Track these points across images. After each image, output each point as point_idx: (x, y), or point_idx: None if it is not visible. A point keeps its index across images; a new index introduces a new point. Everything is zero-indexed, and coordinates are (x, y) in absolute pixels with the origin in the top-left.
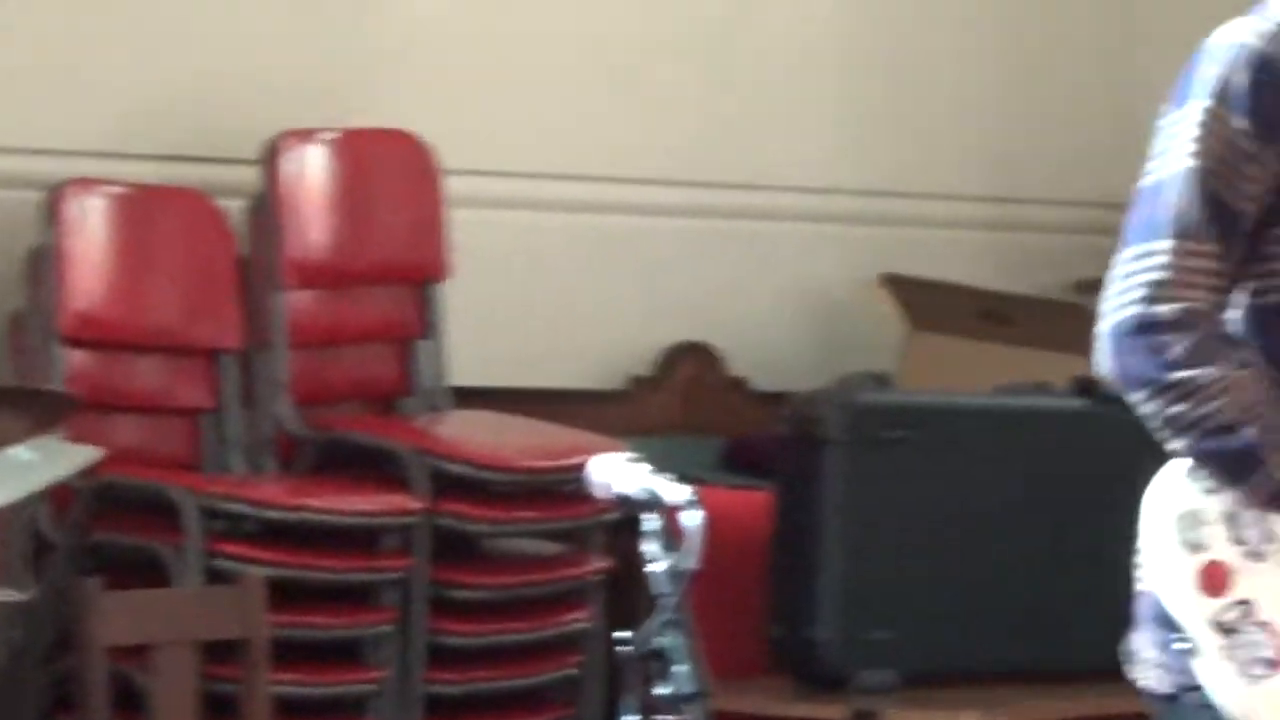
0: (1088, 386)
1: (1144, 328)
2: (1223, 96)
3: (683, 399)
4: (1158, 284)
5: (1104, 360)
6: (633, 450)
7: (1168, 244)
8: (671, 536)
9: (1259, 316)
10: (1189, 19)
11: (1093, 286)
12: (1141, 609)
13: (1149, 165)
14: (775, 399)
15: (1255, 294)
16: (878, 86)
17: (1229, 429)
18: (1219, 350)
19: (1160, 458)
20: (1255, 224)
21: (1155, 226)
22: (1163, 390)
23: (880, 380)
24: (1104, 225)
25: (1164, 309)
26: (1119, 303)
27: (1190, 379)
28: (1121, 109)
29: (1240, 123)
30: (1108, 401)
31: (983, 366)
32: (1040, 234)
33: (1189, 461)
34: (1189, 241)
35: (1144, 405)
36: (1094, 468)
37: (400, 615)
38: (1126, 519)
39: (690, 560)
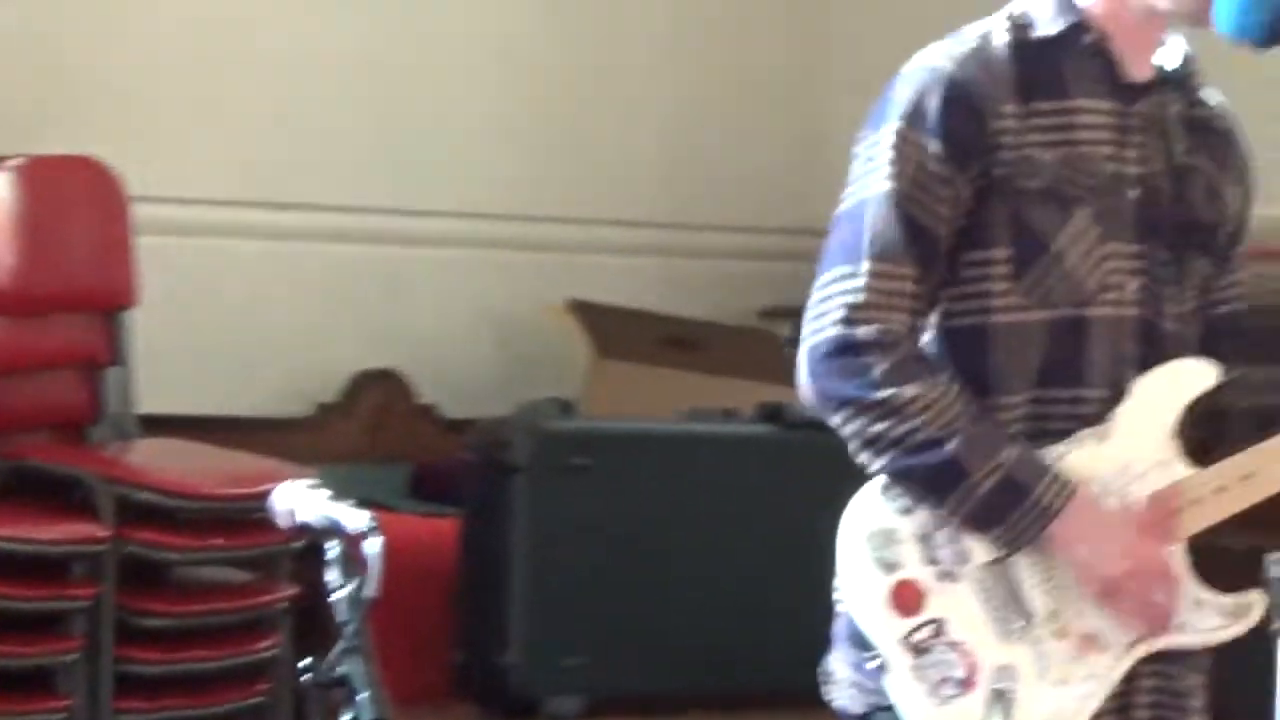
0: (774, 412)
1: (844, 349)
2: (916, 120)
3: (371, 426)
4: (856, 306)
5: (804, 381)
6: (321, 477)
7: (866, 266)
8: (352, 564)
9: (949, 339)
10: (873, 46)
11: (778, 313)
12: (837, 629)
13: (847, 189)
14: (463, 426)
15: (945, 316)
16: (559, 113)
17: (932, 444)
18: (919, 369)
19: (850, 480)
20: (949, 247)
21: (853, 249)
22: (865, 409)
23: (566, 407)
24: (789, 251)
25: (863, 330)
26: (818, 325)
27: (892, 397)
28: (805, 136)
29: (933, 146)
30: (794, 427)
31: (669, 393)
32: (726, 260)
33: (883, 482)
34: (887, 264)
35: (846, 425)
36: (782, 492)
37: (89, 643)
38: (818, 542)
39: (371, 587)
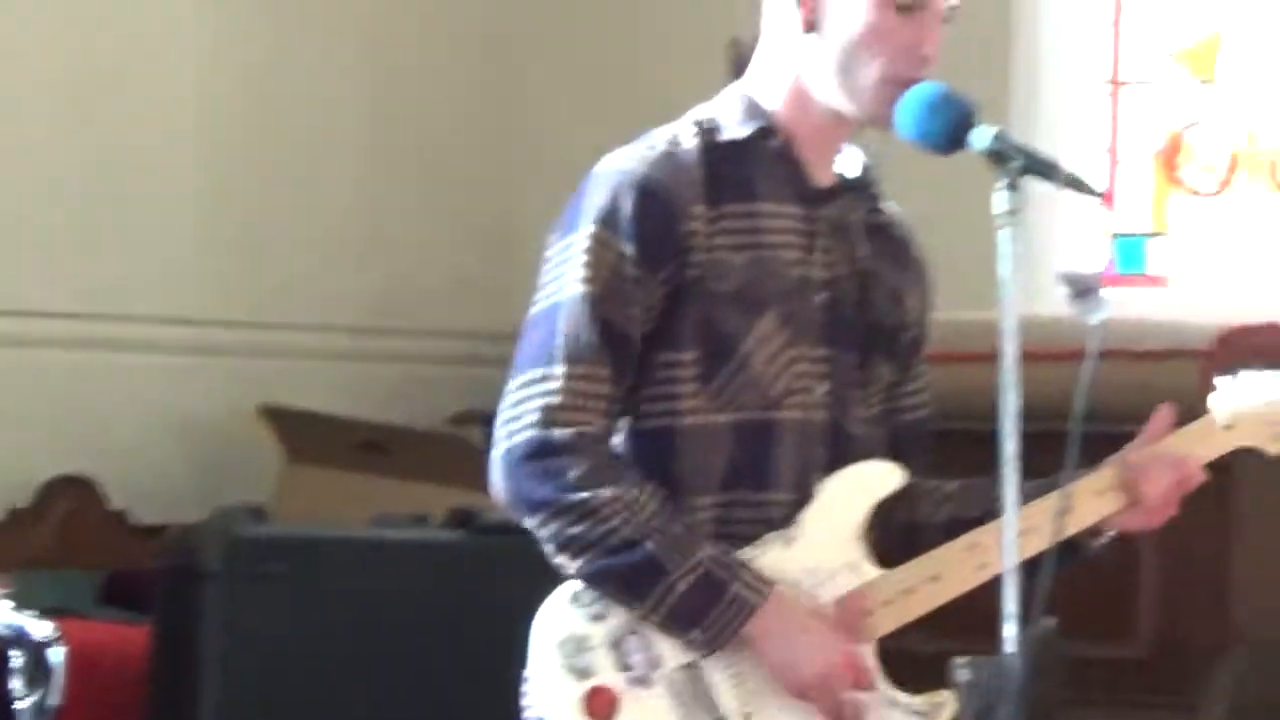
0: (464, 518)
1: (540, 452)
2: (609, 222)
3: (62, 531)
4: (552, 408)
5: (499, 485)
6: (11, 584)
7: (561, 369)
8: (36, 672)
9: (639, 441)
10: (566, 151)
11: (470, 418)
12: None
13: (540, 292)
14: (155, 532)
15: (636, 418)
16: (250, 218)
17: (630, 545)
18: (614, 471)
19: (541, 586)
20: (641, 349)
21: (548, 352)
22: (562, 512)
23: (258, 513)
24: (480, 356)
25: (559, 433)
26: (513, 428)
27: (589, 499)
28: (497, 240)
29: (627, 248)
30: (484, 532)
31: (361, 498)
32: (417, 364)
33: (574, 589)
34: (581, 366)
35: (543, 528)
36: (473, 598)
37: None
38: (508, 648)
39: (55, 696)
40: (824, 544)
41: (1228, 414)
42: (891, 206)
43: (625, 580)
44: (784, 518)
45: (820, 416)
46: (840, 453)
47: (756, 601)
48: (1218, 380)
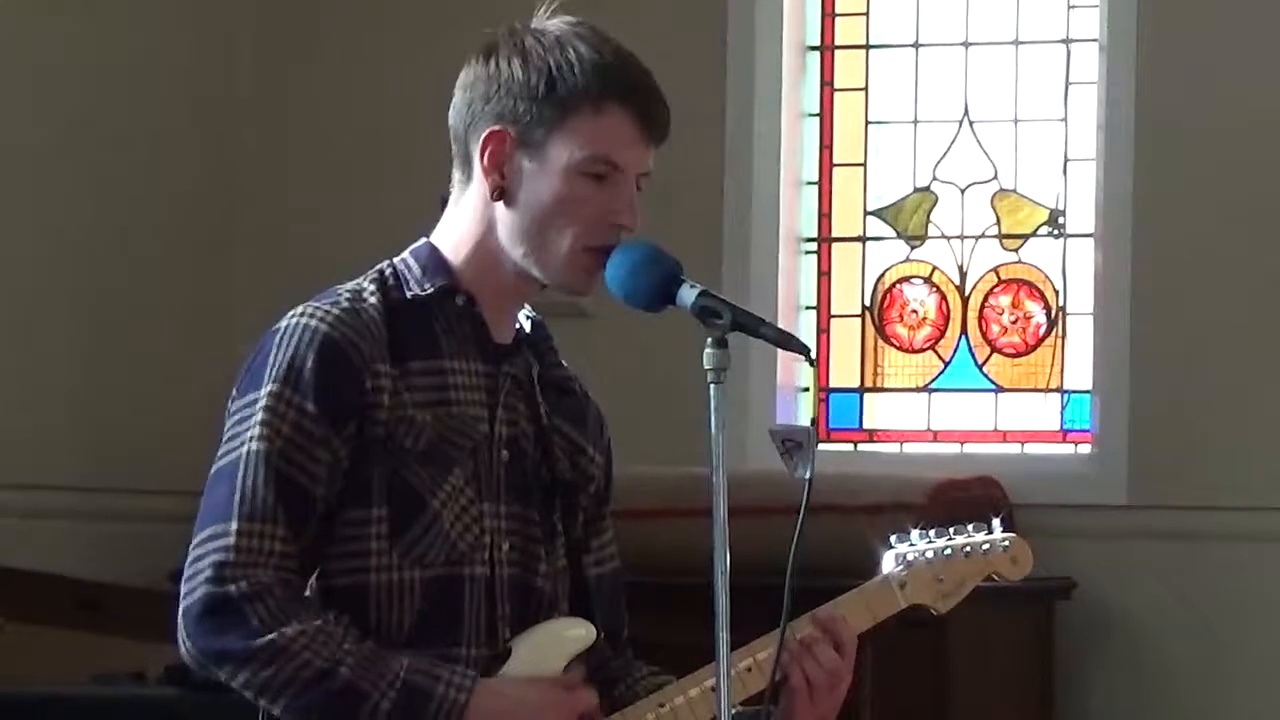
0: (180, 675)
1: (216, 607)
2: (291, 380)
3: None
4: (224, 564)
5: (186, 642)
6: None
7: (235, 525)
8: None
9: (329, 598)
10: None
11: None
12: None
13: (221, 449)
14: None
15: (325, 575)
16: None
17: (324, 676)
18: (293, 610)
19: None
20: (328, 507)
21: (224, 509)
22: (249, 659)
23: None
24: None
25: (233, 588)
26: (191, 586)
27: (274, 640)
28: (209, 400)
29: (309, 406)
30: (200, 688)
31: (78, 655)
32: (134, 523)
33: None
34: (255, 523)
35: (236, 678)
36: None
37: None
38: None
39: None
40: None
41: (900, 572)
42: (563, 361)
43: (328, 712)
44: (481, 673)
45: (506, 572)
46: (528, 608)
47: (465, 698)
48: (893, 539)
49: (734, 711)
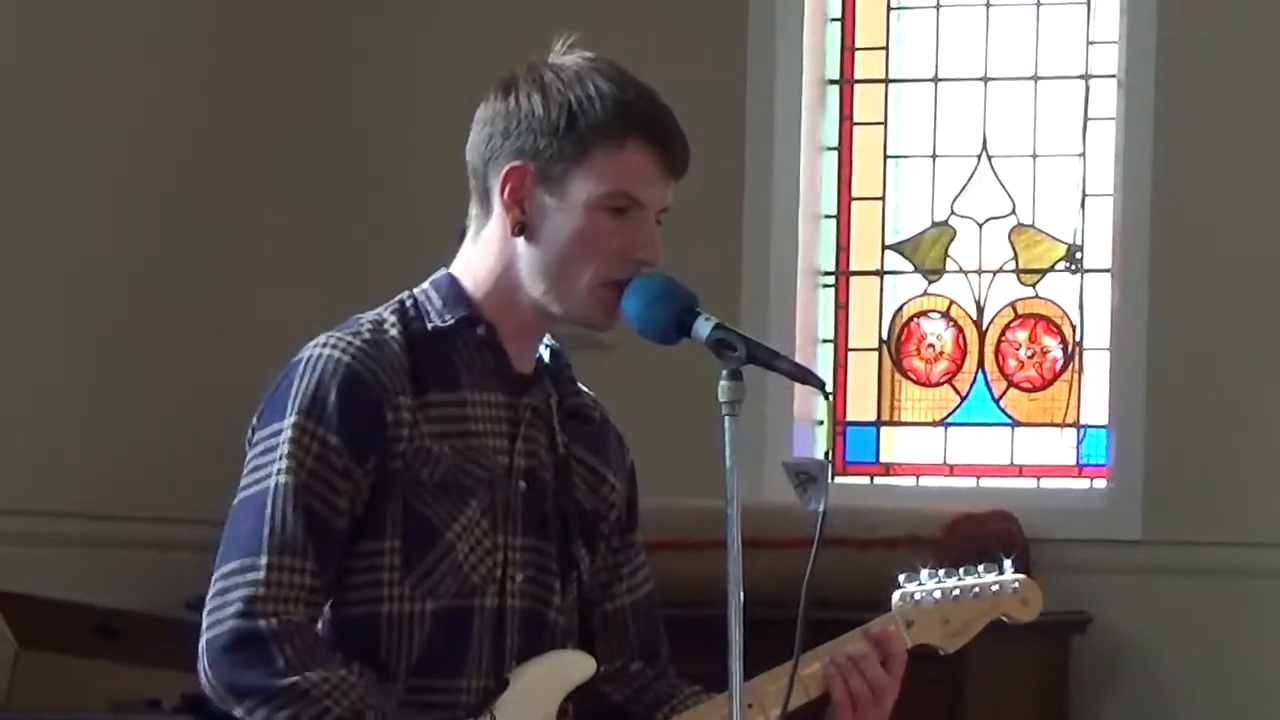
0: (196, 703)
1: (244, 642)
2: (314, 413)
3: None
4: (254, 599)
5: (206, 673)
6: None
7: (264, 559)
8: None
9: (341, 627)
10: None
11: (203, 604)
12: None
13: (245, 479)
14: None
15: (339, 605)
16: None
17: None
18: (321, 655)
19: None
20: (346, 539)
21: (253, 542)
22: (271, 698)
23: None
24: (217, 542)
25: (262, 623)
26: (217, 618)
27: (298, 683)
28: (231, 425)
29: (332, 438)
30: (215, 717)
31: (96, 684)
32: (152, 551)
33: None
34: (285, 556)
35: (253, 715)
36: None
37: None
38: None
39: None
40: None
41: (909, 610)
42: (584, 389)
43: None
44: (478, 704)
45: (518, 604)
46: (538, 640)
47: None
48: (901, 577)
49: None
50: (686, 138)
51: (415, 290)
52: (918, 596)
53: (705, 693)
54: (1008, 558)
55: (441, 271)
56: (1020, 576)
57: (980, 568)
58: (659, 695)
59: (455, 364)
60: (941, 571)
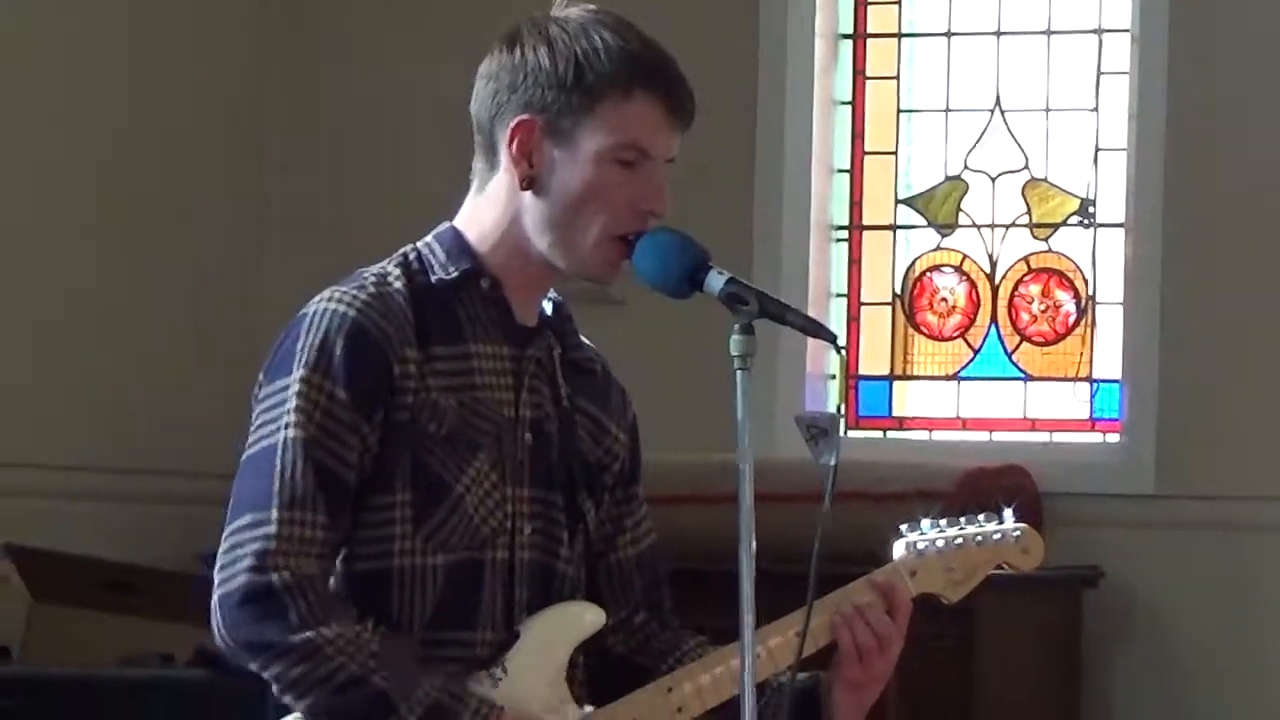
0: (210, 657)
1: (257, 596)
2: (322, 366)
3: None
4: (266, 553)
5: (220, 629)
6: None
7: (275, 514)
8: None
9: (353, 581)
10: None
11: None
12: None
13: (253, 435)
14: None
15: (349, 559)
16: None
17: (356, 682)
18: (334, 611)
19: None
20: (356, 492)
21: (263, 496)
22: (284, 653)
23: (3, 653)
24: (227, 496)
25: (276, 577)
26: (230, 573)
27: (311, 639)
28: (242, 380)
29: (339, 392)
30: (230, 672)
31: (107, 637)
32: (163, 505)
33: None
34: (296, 510)
35: (267, 670)
36: None
37: None
38: None
39: None
40: (528, 685)
41: (912, 560)
42: (585, 341)
43: (355, 718)
44: (490, 656)
45: (527, 556)
46: (547, 592)
47: None
48: (902, 527)
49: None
50: (691, 87)
51: (419, 244)
52: (920, 546)
53: (710, 644)
54: (1013, 509)
55: (445, 225)
56: (1022, 525)
57: (981, 516)
58: (664, 646)
59: (459, 317)
60: (943, 521)
